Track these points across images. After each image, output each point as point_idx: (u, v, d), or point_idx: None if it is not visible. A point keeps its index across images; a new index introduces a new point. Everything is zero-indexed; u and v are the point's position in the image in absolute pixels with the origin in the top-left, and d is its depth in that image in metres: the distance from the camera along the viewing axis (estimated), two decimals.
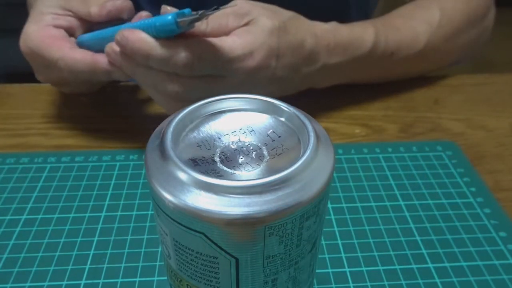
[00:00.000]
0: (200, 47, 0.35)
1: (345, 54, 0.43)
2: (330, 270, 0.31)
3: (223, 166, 0.20)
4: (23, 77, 0.57)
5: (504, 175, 0.40)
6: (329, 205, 0.36)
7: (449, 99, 0.50)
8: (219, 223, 0.18)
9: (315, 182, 0.19)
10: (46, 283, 0.30)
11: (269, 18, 0.38)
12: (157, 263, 0.31)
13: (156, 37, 0.35)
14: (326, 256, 0.32)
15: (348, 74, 0.47)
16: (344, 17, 0.63)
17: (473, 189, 0.38)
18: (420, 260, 0.32)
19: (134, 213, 0.35)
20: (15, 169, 0.39)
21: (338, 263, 0.32)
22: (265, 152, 0.21)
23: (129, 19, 0.41)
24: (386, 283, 0.30)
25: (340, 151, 0.42)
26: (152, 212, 0.35)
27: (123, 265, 0.31)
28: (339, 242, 0.33)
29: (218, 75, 0.37)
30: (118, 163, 0.40)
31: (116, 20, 0.41)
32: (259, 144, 0.21)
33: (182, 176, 0.19)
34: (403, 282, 0.30)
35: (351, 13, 0.62)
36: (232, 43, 0.36)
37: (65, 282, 0.30)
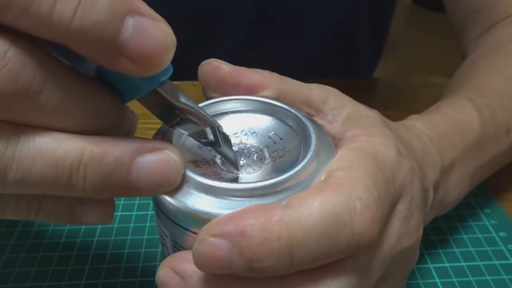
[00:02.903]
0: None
1: (455, 147, 0.29)
2: None
3: (224, 168, 0.20)
4: None
5: (505, 175, 0.40)
6: None
7: None
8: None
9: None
10: (46, 283, 0.30)
11: (384, 137, 0.22)
12: (157, 263, 0.31)
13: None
14: None
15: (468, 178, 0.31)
16: (352, 39, 0.61)
17: (473, 189, 0.38)
18: (420, 260, 0.32)
19: (134, 213, 0.35)
20: None
21: None
22: (266, 154, 0.21)
23: None
24: None
25: None
26: (152, 212, 0.35)
27: (123, 265, 0.31)
28: None
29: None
30: None
31: None
32: (261, 146, 0.21)
33: (182, 177, 0.19)
34: None
35: (360, 38, 0.59)
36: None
37: (65, 282, 0.30)
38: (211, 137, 0.20)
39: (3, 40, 0.15)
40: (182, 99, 0.19)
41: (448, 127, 0.30)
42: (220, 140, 0.20)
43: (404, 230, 0.21)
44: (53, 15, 0.14)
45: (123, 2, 0.15)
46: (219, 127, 0.20)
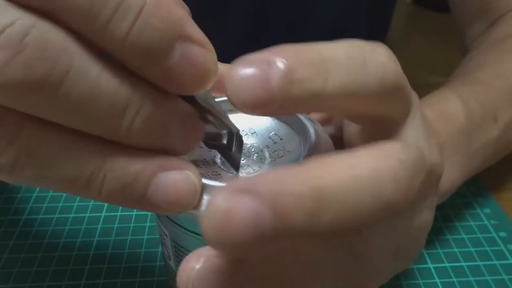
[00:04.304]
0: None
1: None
2: None
3: (223, 168, 0.20)
4: None
5: (504, 175, 0.40)
6: None
7: None
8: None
9: None
10: (46, 283, 0.30)
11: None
12: (157, 263, 0.31)
13: None
14: None
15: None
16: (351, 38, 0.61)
17: (473, 189, 0.38)
18: (420, 260, 0.32)
19: (134, 213, 0.35)
20: None
21: None
22: (266, 154, 0.21)
23: None
24: (385, 283, 0.30)
25: None
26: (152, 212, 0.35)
27: (123, 265, 0.31)
28: None
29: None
30: None
31: None
32: (261, 146, 0.21)
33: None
34: (403, 282, 0.30)
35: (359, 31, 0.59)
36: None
37: (65, 282, 0.30)
38: (224, 141, 0.19)
39: (22, 23, 0.13)
40: (207, 98, 0.18)
41: (432, 116, 0.29)
42: (233, 146, 0.19)
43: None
44: (107, 28, 0.14)
45: (175, 27, 0.15)
46: (238, 133, 0.19)
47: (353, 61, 0.16)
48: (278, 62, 0.14)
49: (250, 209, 0.13)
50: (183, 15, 0.15)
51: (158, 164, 0.17)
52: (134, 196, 0.16)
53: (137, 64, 0.15)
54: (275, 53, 0.15)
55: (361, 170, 0.15)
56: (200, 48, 0.15)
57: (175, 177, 0.17)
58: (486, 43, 0.40)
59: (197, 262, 0.15)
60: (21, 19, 0.13)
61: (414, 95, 0.21)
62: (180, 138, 0.17)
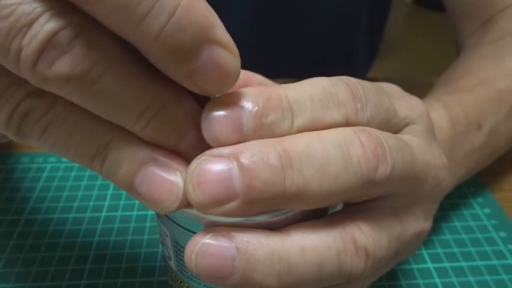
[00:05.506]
0: None
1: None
2: None
3: None
4: None
5: (504, 175, 0.40)
6: None
7: None
8: (220, 226, 0.18)
9: None
10: (46, 283, 0.30)
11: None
12: (157, 264, 0.31)
13: None
14: None
15: None
16: (350, 36, 0.61)
17: (473, 189, 0.38)
18: (420, 260, 0.32)
19: (134, 213, 0.35)
20: (15, 169, 0.39)
21: None
22: None
23: None
24: (386, 283, 0.30)
25: None
26: (153, 212, 0.35)
27: (123, 265, 0.31)
28: None
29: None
30: None
31: None
32: None
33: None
34: (403, 282, 0.30)
35: (358, 52, 0.59)
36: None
37: (65, 282, 0.30)
38: None
39: (73, 27, 0.15)
40: None
41: None
42: None
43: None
44: (141, 25, 0.14)
45: (206, 29, 0.15)
46: None
47: (316, 102, 0.18)
48: (249, 107, 0.17)
49: (222, 167, 0.16)
50: (214, 19, 0.16)
51: (151, 156, 0.17)
52: (125, 180, 0.17)
53: (164, 63, 0.15)
54: (247, 98, 0.17)
55: (325, 134, 0.17)
56: (225, 52, 0.16)
57: (161, 175, 0.17)
58: (475, 47, 0.40)
59: (202, 238, 0.17)
60: (73, 23, 0.15)
61: (411, 106, 0.22)
62: (194, 148, 0.18)
